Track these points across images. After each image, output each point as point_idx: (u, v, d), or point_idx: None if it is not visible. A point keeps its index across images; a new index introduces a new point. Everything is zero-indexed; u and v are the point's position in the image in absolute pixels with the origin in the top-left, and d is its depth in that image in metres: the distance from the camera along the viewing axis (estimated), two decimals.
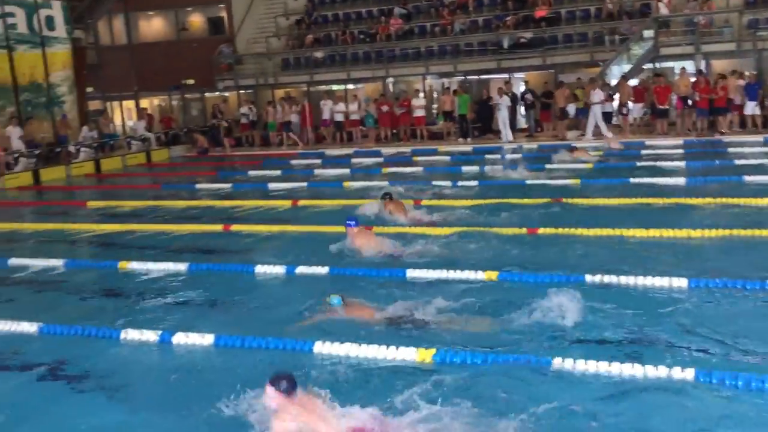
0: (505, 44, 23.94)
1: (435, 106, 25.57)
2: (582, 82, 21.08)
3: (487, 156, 17.84)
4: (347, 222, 8.78)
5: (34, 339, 6.56)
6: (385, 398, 4.80)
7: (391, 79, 26.35)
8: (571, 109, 20.52)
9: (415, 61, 25.16)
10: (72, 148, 21.44)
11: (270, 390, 4.35)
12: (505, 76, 23.82)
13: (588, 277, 7.21)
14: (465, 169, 16.18)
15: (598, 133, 19.55)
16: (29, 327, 6.74)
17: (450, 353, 5.56)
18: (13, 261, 9.57)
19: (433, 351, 5.58)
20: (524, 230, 9.56)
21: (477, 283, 7.40)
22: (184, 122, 28.41)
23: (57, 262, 9.36)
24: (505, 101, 20.48)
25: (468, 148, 19.93)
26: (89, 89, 27.06)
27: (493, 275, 7.55)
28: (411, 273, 7.82)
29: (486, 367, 5.36)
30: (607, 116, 20.01)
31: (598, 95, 19.38)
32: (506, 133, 20.47)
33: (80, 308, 7.46)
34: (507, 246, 8.93)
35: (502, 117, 20.49)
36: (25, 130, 20.72)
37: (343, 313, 6.47)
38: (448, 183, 14.18)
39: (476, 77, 25.04)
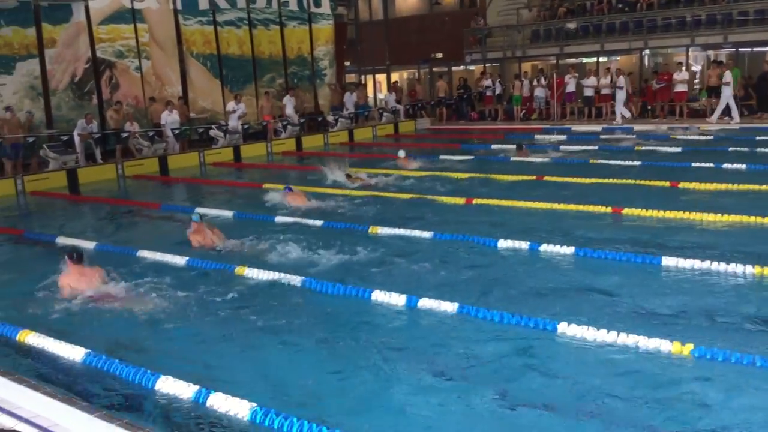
0: None
1: (697, 80, 23.46)
2: None
3: (759, 137, 15.97)
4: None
5: (296, 291, 7.20)
6: None
7: (647, 51, 24.61)
8: None
9: (678, 32, 23.16)
10: (330, 118, 23.05)
11: (66, 258, 7.13)
12: None
13: None
14: (731, 150, 14.63)
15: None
16: (294, 279, 7.40)
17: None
18: (279, 218, 10.59)
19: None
20: None
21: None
22: (431, 95, 29.13)
23: (316, 222, 10.18)
24: None
25: (735, 128, 17.99)
26: (347, 63, 28.85)
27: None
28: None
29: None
30: None
31: (728, 76, 18.41)
32: None
33: (337, 267, 8.01)
34: None
35: None
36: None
37: (195, 229, 8.98)
38: (710, 165, 12.97)
39: (749, 50, 22.44)
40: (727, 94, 18.89)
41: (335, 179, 13.82)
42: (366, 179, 13.55)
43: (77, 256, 7.17)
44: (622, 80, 20.82)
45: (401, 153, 15.77)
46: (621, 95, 20.79)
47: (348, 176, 13.72)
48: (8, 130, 16.22)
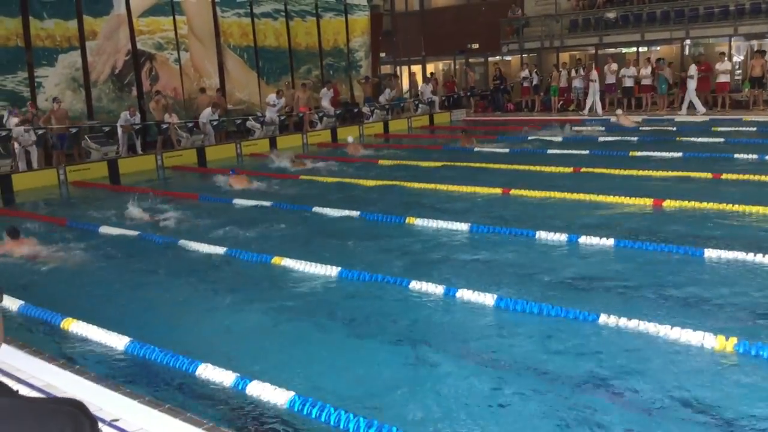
0: None
1: (739, 71, 22.90)
2: None
3: None
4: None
5: (332, 281, 7.24)
6: None
7: (688, 41, 24.08)
8: None
9: (721, 21, 22.59)
10: (366, 110, 23.03)
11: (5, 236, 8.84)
12: None
13: None
14: None
15: None
16: (330, 270, 7.43)
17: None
18: (316, 209, 10.64)
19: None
20: None
21: None
22: (466, 86, 28.92)
23: (353, 213, 10.21)
24: None
25: None
26: (382, 54, 28.78)
27: None
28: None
29: None
30: None
31: (692, 69, 19.36)
32: None
33: (374, 256, 8.04)
34: None
35: None
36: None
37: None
38: (753, 157, 12.67)
39: None
40: (691, 88, 19.57)
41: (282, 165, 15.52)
42: (307, 165, 15.35)
43: (15, 231, 8.93)
44: (594, 74, 21.74)
45: (349, 139, 18.08)
46: (594, 87, 21.65)
47: (293, 161, 15.48)
48: (56, 120, 16.55)
